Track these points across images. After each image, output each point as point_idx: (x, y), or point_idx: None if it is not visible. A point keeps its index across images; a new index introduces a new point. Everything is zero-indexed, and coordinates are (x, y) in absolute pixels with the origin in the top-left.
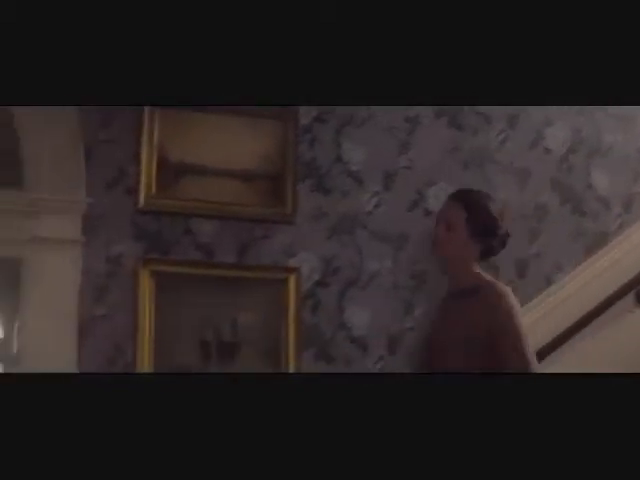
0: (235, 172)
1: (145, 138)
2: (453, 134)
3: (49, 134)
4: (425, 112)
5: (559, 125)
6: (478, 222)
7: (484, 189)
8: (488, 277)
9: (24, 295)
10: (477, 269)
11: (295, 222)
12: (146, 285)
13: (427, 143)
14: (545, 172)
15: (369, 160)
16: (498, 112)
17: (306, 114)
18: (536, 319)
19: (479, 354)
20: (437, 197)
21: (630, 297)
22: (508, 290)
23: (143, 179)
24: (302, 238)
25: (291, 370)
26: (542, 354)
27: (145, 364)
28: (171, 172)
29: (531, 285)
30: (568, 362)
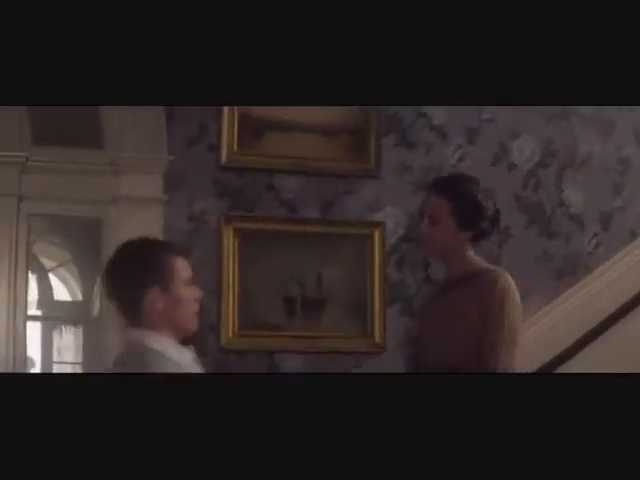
0: (317, 127)
1: None
2: None
3: None
4: None
5: None
6: (463, 210)
7: (567, 141)
8: (484, 264)
9: (106, 255)
10: (471, 256)
11: (379, 177)
12: (230, 243)
13: None
14: (629, 124)
15: (451, 113)
16: None
17: None
18: (620, 274)
19: (474, 345)
20: (521, 150)
21: None
22: (504, 276)
23: (225, 136)
24: (386, 193)
25: (376, 327)
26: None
27: (230, 322)
28: (253, 128)
29: (615, 239)
30: None
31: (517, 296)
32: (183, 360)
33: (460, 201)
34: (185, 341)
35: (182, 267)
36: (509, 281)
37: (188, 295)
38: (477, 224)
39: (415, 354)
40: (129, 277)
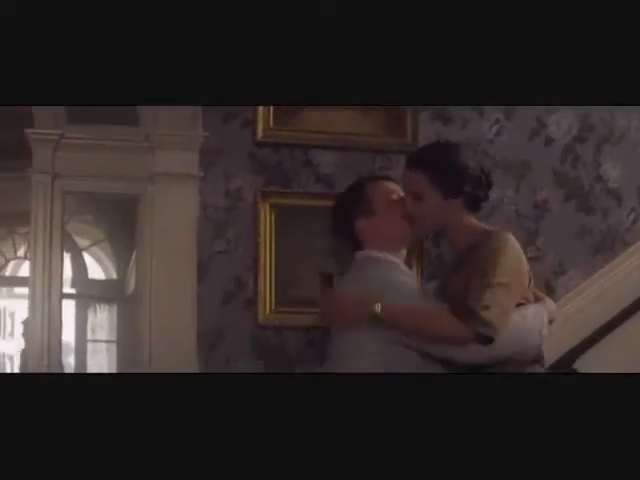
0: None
1: None
2: None
3: None
4: None
5: None
6: (443, 177)
7: (605, 115)
8: (486, 229)
9: (141, 233)
10: (471, 224)
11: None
12: (266, 218)
13: None
14: None
15: None
16: None
17: None
18: None
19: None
20: (558, 124)
21: None
22: (508, 235)
23: (260, 110)
24: None
25: None
26: None
27: (266, 298)
28: None
29: None
30: None
31: (516, 256)
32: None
33: (437, 169)
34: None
35: (383, 191)
36: (513, 242)
37: (392, 214)
38: (462, 188)
39: None
40: (342, 212)
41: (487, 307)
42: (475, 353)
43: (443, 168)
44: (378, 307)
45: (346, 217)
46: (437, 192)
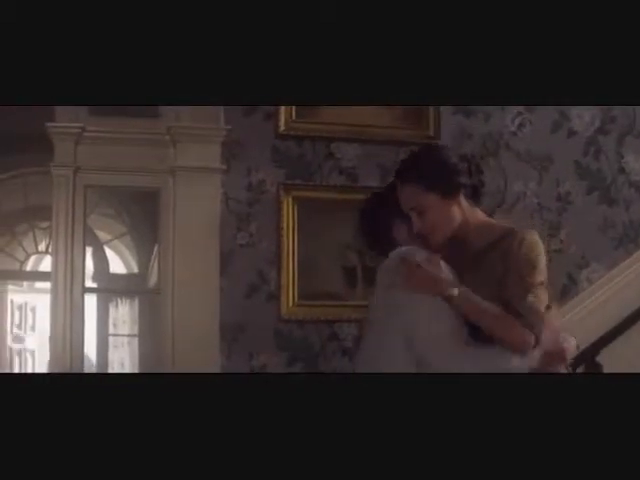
0: None
1: None
2: None
3: None
4: None
5: None
6: (435, 178)
7: (627, 108)
8: (502, 225)
9: (163, 227)
10: (483, 220)
11: (439, 143)
12: (289, 212)
13: None
14: None
15: None
16: None
17: None
18: None
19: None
20: (580, 117)
21: None
22: (531, 232)
23: None
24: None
25: None
26: None
27: (289, 291)
28: None
29: None
30: None
31: (543, 253)
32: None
33: (427, 174)
34: None
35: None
36: (536, 238)
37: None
38: (457, 182)
39: None
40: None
41: (533, 310)
42: (531, 359)
43: (432, 171)
44: (455, 291)
45: (383, 219)
46: (435, 196)
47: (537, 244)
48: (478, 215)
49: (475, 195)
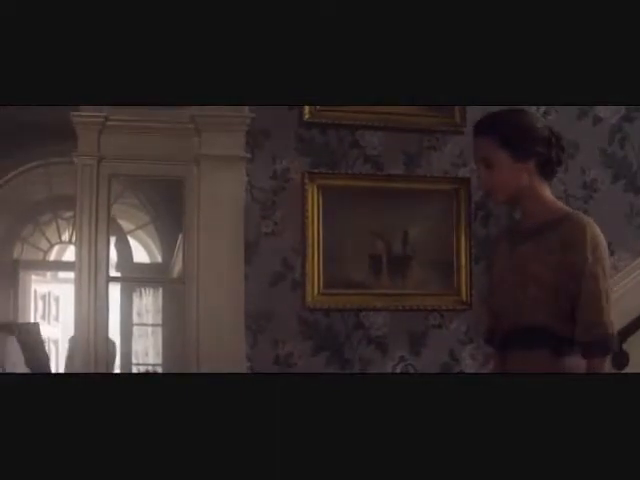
0: None
1: None
2: None
3: None
4: None
5: None
6: (513, 140)
7: None
8: (565, 208)
9: (187, 216)
10: (549, 198)
11: (464, 132)
12: (314, 200)
13: None
14: None
15: None
16: None
17: None
18: None
19: (552, 301)
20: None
21: None
22: (591, 222)
23: None
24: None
25: (463, 284)
26: None
27: (314, 280)
28: None
29: None
30: None
31: (606, 246)
32: None
33: (505, 130)
34: None
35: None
36: (597, 229)
37: None
38: (532, 149)
39: (495, 310)
40: None
41: (608, 321)
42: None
43: (511, 129)
44: None
45: None
46: (507, 155)
47: (599, 234)
48: (545, 190)
49: (548, 169)
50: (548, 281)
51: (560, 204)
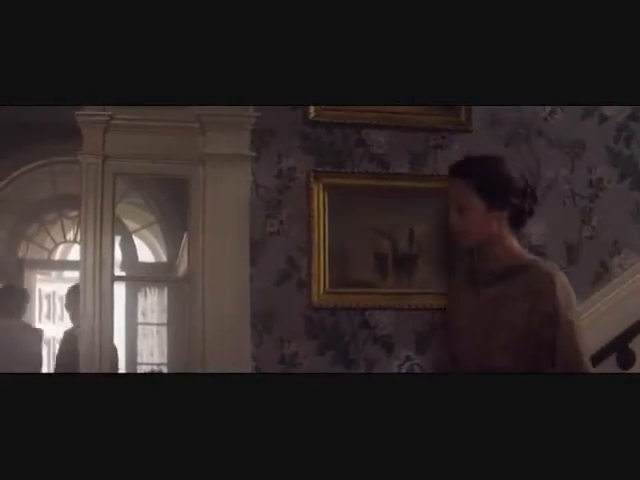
0: None
1: None
2: None
3: None
4: None
5: None
6: (489, 188)
7: None
8: (530, 256)
9: (192, 215)
10: (515, 246)
11: (470, 130)
12: (319, 199)
13: None
14: None
15: None
16: None
17: None
18: None
19: (522, 348)
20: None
21: None
22: (557, 270)
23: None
24: (477, 146)
25: None
26: None
27: (320, 279)
28: None
29: None
30: None
31: (572, 292)
32: None
33: (482, 178)
34: None
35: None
36: (565, 277)
37: None
38: (508, 199)
39: (455, 354)
40: None
41: (588, 364)
42: None
43: (488, 177)
44: None
45: None
46: (481, 202)
47: (567, 282)
48: (512, 239)
49: (519, 220)
50: (519, 327)
51: (525, 252)
